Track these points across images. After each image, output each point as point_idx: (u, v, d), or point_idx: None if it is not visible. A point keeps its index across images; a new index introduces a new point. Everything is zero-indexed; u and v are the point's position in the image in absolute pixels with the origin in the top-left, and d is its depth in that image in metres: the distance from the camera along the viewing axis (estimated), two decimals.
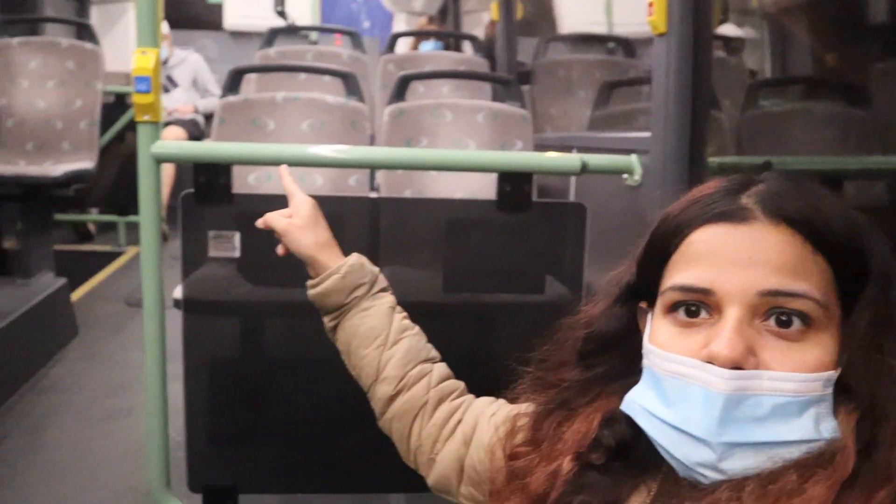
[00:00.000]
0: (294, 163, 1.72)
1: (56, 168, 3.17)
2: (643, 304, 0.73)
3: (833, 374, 0.61)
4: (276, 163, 1.78)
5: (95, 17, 6.01)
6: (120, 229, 4.69)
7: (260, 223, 1.14)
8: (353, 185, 2.50)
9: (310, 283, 1.09)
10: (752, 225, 0.62)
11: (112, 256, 4.52)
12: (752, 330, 0.61)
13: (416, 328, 1.09)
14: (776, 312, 0.61)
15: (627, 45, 3.87)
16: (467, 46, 4.98)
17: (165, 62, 4.98)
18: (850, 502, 0.56)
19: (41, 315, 2.97)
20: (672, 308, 0.65)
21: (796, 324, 0.60)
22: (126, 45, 5.73)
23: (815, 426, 0.59)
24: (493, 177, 2.25)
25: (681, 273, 0.65)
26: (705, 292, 0.62)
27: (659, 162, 1.72)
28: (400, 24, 6.53)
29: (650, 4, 1.71)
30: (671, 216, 0.68)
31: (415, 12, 6.19)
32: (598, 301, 0.79)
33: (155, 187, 1.65)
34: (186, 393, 1.77)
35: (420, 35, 4.38)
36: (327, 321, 1.10)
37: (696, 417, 0.60)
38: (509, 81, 2.70)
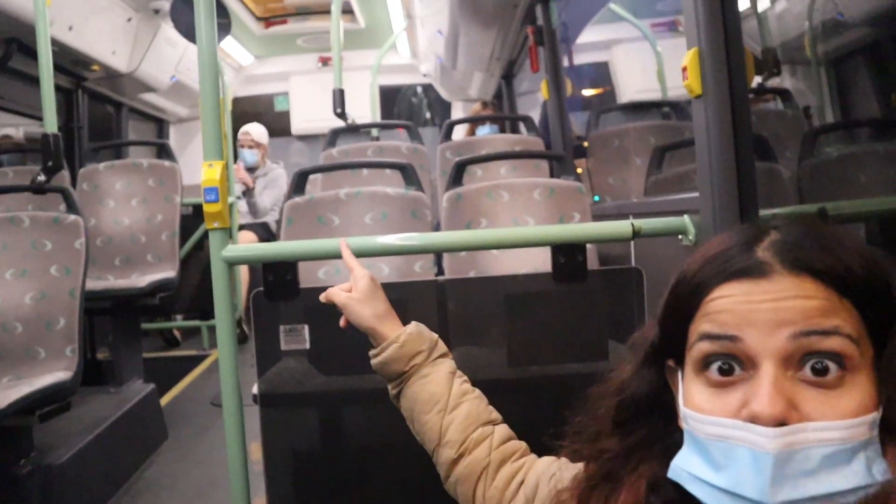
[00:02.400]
0: (357, 254, 1.81)
1: (142, 279, 3.36)
2: (671, 363, 0.72)
3: (876, 416, 0.60)
4: (337, 256, 1.89)
5: (173, 135, 6.43)
6: (203, 333, 4.88)
7: (322, 297, 1.21)
8: (419, 271, 2.57)
9: (372, 353, 1.14)
10: (772, 279, 0.63)
11: (197, 360, 4.69)
12: (789, 383, 0.60)
13: (476, 391, 1.12)
14: (811, 360, 0.60)
15: (678, 109, 3.91)
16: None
17: (254, 169, 5.27)
18: None
19: (133, 421, 3.10)
20: (704, 366, 0.65)
21: (832, 370, 0.60)
22: (201, 159, 6.10)
23: (867, 470, 0.59)
24: None
25: (706, 326, 0.65)
26: (734, 339, 0.62)
27: (710, 220, 1.73)
28: (458, 112, 6.74)
29: (684, 69, 1.76)
30: (688, 276, 0.68)
31: (470, 99, 6.40)
32: (624, 366, 0.79)
33: (227, 289, 1.74)
34: (268, 486, 1.82)
35: (474, 121, 4.52)
36: (391, 389, 1.14)
37: (748, 480, 0.59)
38: (561, 157, 2.76)
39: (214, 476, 2.95)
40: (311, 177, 4.79)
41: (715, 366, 0.64)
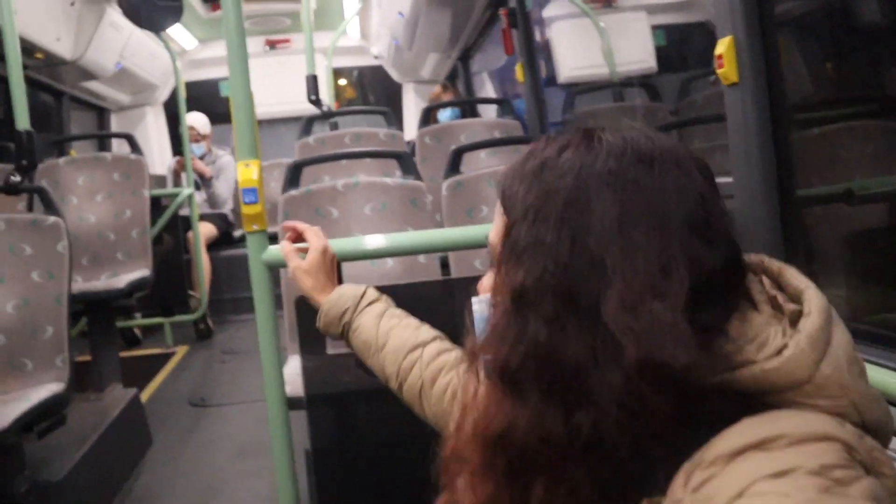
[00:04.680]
0: (395, 253, 1.78)
1: (118, 280, 3.22)
2: None
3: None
4: (380, 255, 1.85)
5: (115, 124, 6.17)
6: (167, 330, 4.71)
7: (281, 251, 1.39)
8: (423, 261, 2.54)
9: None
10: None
11: (163, 358, 4.52)
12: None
13: (405, 321, 1.20)
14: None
15: (653, 90, 3.94)
16: (483, 109, 5.09)
17: (203, 157, 5.14)
18: None
19: (121, 428, 2.97)
20: None
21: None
22: (148, 148, 5.85)
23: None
24: None
25: None
26: None
27: (747, 205, 1.76)
28: (409, 94, 6.66)
29: (719, 57, 1.77)
30: None
31: (423, 80, 6.32)
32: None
33: (268, 291, 1.69)
34: (319, 487, 1.78)
35: (441, 106, 4.44)
36: (345, 344, 1.27)
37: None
38: None
39: (211, 481, 2.87)
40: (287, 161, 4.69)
41: None
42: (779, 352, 0.59)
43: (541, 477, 0.64)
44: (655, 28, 5.66)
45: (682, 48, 4.71)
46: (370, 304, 1.23)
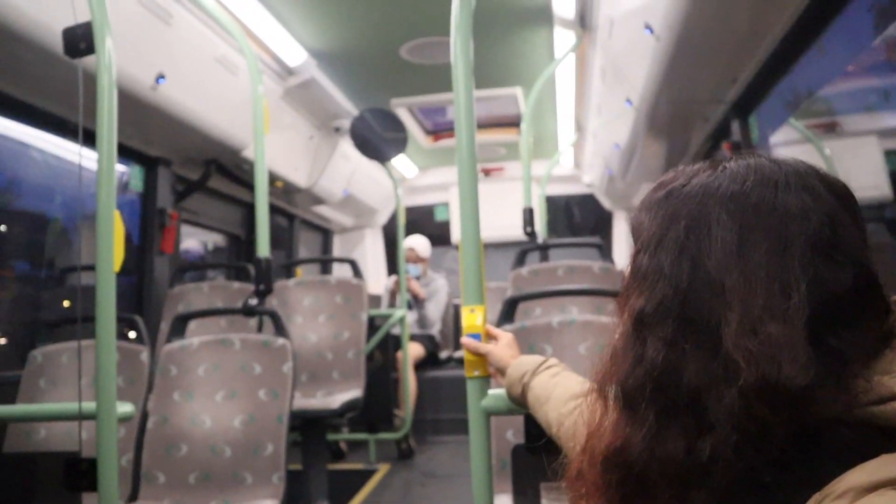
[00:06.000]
0: None
1: (333, 400, 3.34)
2: None
3: None
4: None
5: (337, 244, 6.60)
6: (371, 447, 4.81)
7: (470, 347, 1.64)
8: None
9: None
10: None
11: (366, 474, 4.60)
12: None
13: (573, 376, 1.29)
14: None
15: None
16: None
17: (418, 278, 5.35)
18: None
19: None
20: None
21: None
22: (364, 267, 6.20)
23: None
24: None
25: None
26: None
27: None
28: (620, 223, 6.62)
29: None
30: None
31: (633, 208, 6.27)
32: None
33: (486, 439, 1.66)
34: None
35: None
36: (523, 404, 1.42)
37: None
38: None
39: None
40: (496, 286, 4.74)
41: None
42: None
43: (660, 501, 0.63)
44: (888, 153, 5.29)
45: None
46: (548, 367, 1.36)
